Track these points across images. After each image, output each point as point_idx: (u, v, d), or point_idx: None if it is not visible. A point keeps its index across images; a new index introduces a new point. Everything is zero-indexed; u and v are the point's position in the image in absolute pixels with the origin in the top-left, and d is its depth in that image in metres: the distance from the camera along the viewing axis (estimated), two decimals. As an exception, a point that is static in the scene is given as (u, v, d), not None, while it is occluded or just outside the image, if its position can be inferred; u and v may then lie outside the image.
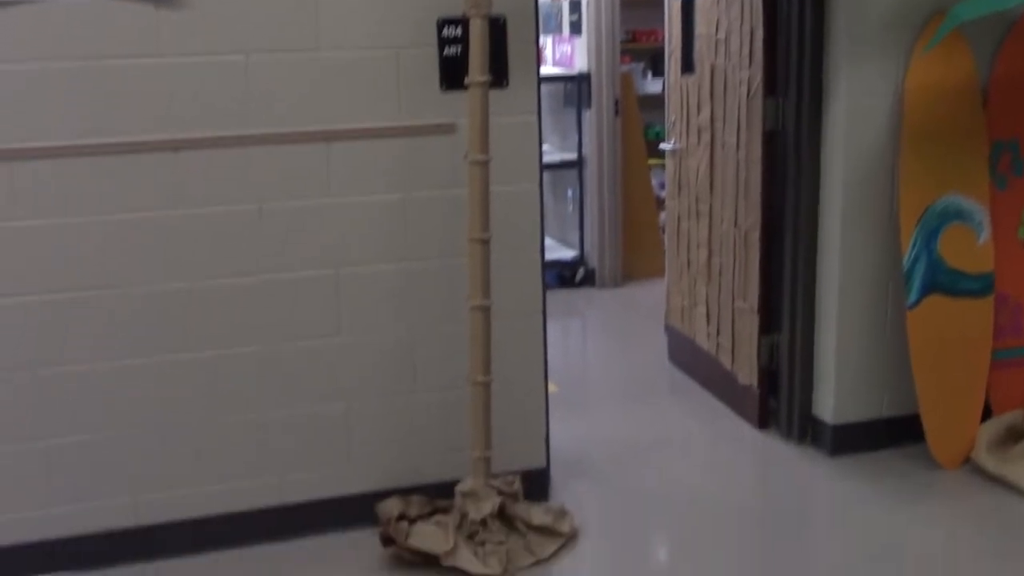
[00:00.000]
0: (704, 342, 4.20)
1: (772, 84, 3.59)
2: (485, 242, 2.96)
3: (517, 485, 3.08)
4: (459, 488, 3.02)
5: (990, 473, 3.36)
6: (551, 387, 3.40)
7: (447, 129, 3.05)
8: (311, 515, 3.14)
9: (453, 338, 3.14)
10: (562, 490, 3.39)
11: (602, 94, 5.67)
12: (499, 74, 3.05)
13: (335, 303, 3.06)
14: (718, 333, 4.07)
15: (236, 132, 2.89)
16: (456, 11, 2.98)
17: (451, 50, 3.02)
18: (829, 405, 3.57)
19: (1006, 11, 3.32)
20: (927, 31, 3.32)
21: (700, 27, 4.08)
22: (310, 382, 3.09)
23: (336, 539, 3.13)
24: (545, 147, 6.17)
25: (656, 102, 5.74)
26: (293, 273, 3.02)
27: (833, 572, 2.95)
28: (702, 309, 4.19)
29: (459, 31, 3.01)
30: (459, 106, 3.00)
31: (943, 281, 3.39)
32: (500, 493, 3.01)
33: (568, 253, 5.95)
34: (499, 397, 3.12)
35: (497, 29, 3.04)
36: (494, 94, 3.00)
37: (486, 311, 2.99)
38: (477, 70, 2.90)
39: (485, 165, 2.94)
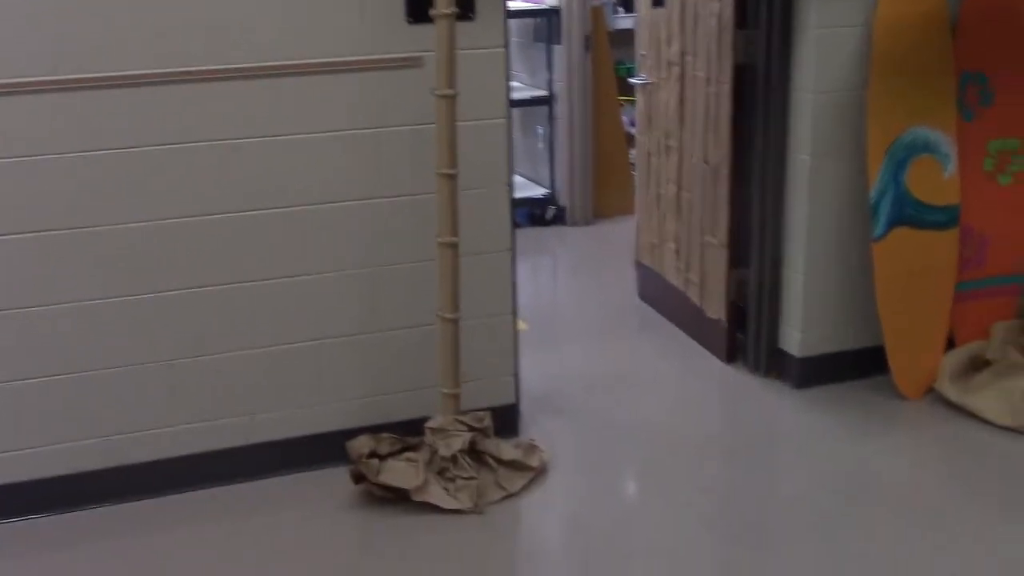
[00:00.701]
0: (673, 278, 4.21)
1: (743, 16, 3.55)
2: (452, 177, 2.94)
3: (487, 421, 3.09)
4: (429, 425, 3.03)
5: (953, 402, 3.41)
6: (521, 324, 3.41)
7: (414, 62, 3.01)
8: (282, 454, 3.15)
9: (422, 275, 3.13)
10: (532, 425, 3.41)
11: (572, 29, 5.60)
12: (466, 6, 2.99)
13: (302, 241, 3.04)
14: (687, 269, 4.08)
15: (198, 67, 2.84)
16: (421, -59, 2.91)
17: (414, -19, 2.96)
18: (795, 338, 3.60)
19: (976, -60, 3.29)
20: (897, -39, 3.29)
21: (670, -41, 4.03)
22: (279, 320, 3.07)
23: (307, 477, 3.14)
24: (515, 83, 6.15)
25: (627, 38, 5.67)
26: (259, 210, 2.98)
27: (799, 501, 3.00)
28: (671, 245, 4.19)
29: (423, -38, 2.94)
30: (426, 39, 2.95)
31: (910, 214, 3.40)
32: (470, 429, 3.03)
33: (539, 191, 5.93)
34: (468, 334, 3.12)
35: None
36: (461, 27, 2.95)
37: (454, 248, 2.97)
38: (443, 1, 2.85)
39: (452, 99, 2.90)
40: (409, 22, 2.97)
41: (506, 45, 3.11)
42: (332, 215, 3.05)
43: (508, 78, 3.15)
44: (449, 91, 2.89)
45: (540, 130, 5.95)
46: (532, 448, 3.15)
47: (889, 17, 3.30)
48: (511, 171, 3.23)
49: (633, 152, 4.99)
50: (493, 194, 3.19)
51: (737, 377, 3.78)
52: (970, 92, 3.44)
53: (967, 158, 3.46)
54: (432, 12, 2.86)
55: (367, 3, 2.93)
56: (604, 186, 5.91)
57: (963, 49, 3.40)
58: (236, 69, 2.87)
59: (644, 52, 4.36)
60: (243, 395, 3.09)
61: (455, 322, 3.02)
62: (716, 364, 3.88)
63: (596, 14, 5.82)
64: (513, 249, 3.27)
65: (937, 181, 3.41)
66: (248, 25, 2.86)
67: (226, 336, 3.04)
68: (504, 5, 3.10)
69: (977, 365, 3.49)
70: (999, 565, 2.66)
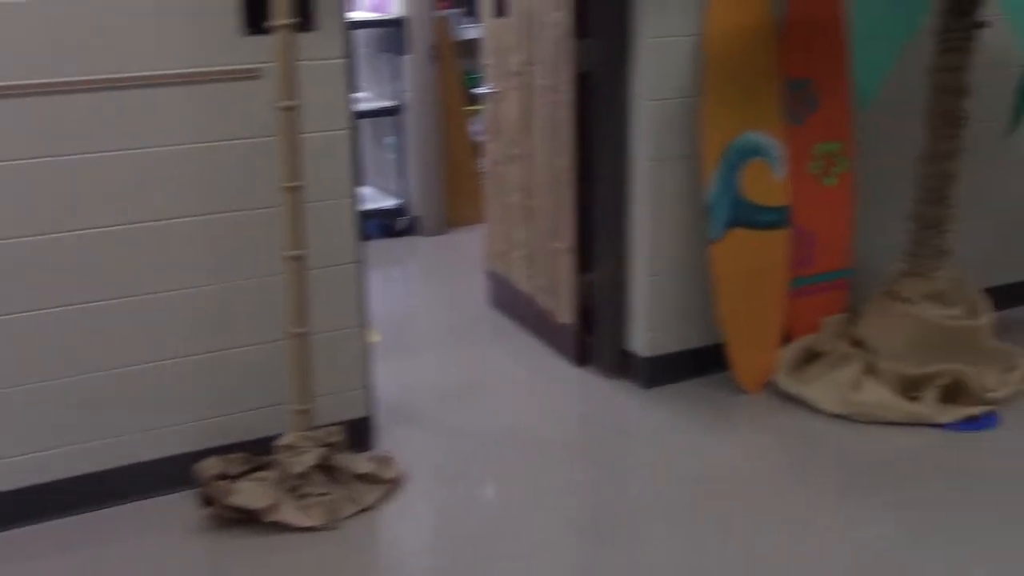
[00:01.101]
0: (523, 284, 4.26)
1: (582, 26, 3.63)
2: (296, 190, 2.89)
3: (339, 436, 3.06)
4: (279, 442, 2.98)
5: (789, 394, 3.57)
6: (374, 336, 3.39)
7: (252, 74, 2.95)
8: (127, 480, 3.03)
9: (269, 290, 3.07)
10: (387, 437, 3.39)
11: (419, 40, 5.61)
12: (305, 17, 2.96)
13: (143, 259, 2.94)
14: (536, 275, 4.13)
15: (23, 81, 2.71)
16: (255, -49, 2.87)
17: (253, -8, 2.92)
18: (642, 339, 3.70)
19: (796, -46, 3.46)
20: (724, -27, 3.43)
21: (510, -30, 4.08)
22: (120, 342, 2.96)
23: (155, 504, 3.03)
24: (363, 94, 6.12)
25: (475, 47, 5.73)
26: (96, 229, 2.87)
27: (653, 496, 3.09)
28: (521, 252, 4.25)
29: (261, -29, 2.90)
30: (265, 51, 2.91)
31: (744, 215, 3.55)
32: (321, 445, 2.99)
33: (390, 202, 5.90)
34: (318, 348, 3.08)
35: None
36: (301, 38, 2.91)
37: (300, 261, 2.93)
38: (281, 12, 2.81)
39: (293, 111, 2.86)
40: (246, 33, 2.92)
41: (348, 56, 3.09)
42: (173, 232, 2.96)
43: (351, 89, 3.13)
44: (290, 103, 2.85)
45: (390, 141, 5.93)
46: (386, 460, 3.14)
47: (718, 27, 3.43)
48: (356, 182, 3.20)
49: (483, 161, 5.02)
50: (339, 206, 3.16)
51: (587, 379, 3.85)
52: (796, 98, 3.61)
53: (795, 161, 3.63)
54: (270, 23, 2.82)
55: (201, 14, 2.86)
56: (455, 195, 5.93)
57: (788, 57, 3.56)
58: (64, 83, 2.75)
59: (489, 62, 4.41)
60: (83, 421, 2.96)
61: (303, 336, 2.97)
62: (567, 368, 3.95)
63: (441, 24, 5.85)
64: (361, 260, 3.25)
65: (769, 183, 3.57)
66: (78, 38, 2.75)
67: (63, 360, 2.91)
68: (345, 16, 3.08)
69: (811, 358, 3.67)
70: (846, 547, 2.80)
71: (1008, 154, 4.20)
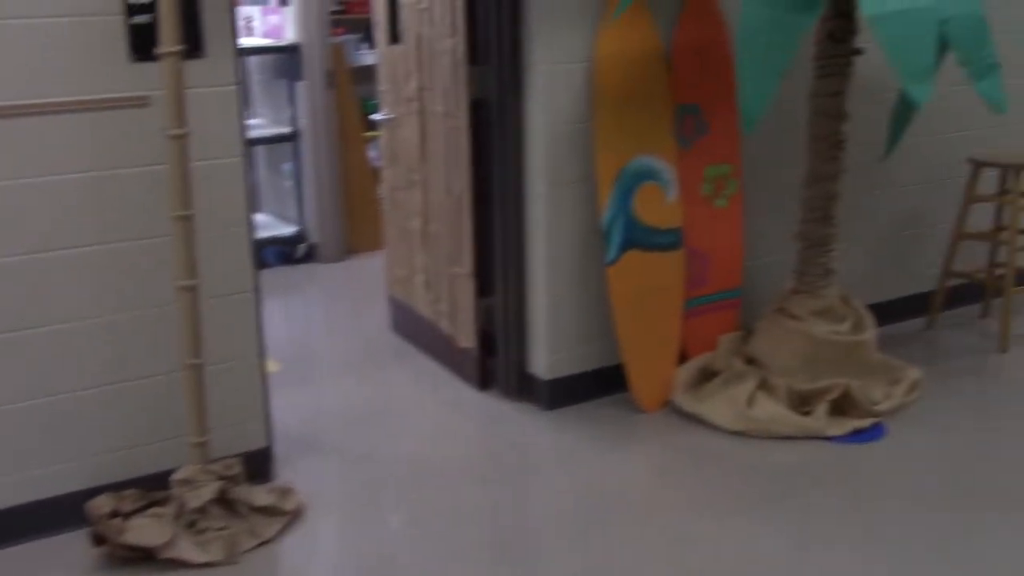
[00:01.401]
0: (425, 310, 4.27)
1: (475, 52, 3.67)
2: (188, 219, 2.85)
3: (237, 468, 3.01)
4: (175, 476, 2.91)
5: (687, 412, 3.65)
6: (273, 365, 3.35)
7: (140, 102, 2.90)
8: (16, 521, 2.92)
9: (163, 321, 3.01)
10: (288, 468, 3.35)
11: (314, 66, 5.58)
12: (194, 43, 2.93)
13: (31, 291, 2.85)
14: (437, 300, 4.14)
15: None
16: (142, -23, 2.83)
17: (140, 18, 2.87)
18: (543, 362, 3.74)
19: (682, -17, 3.57)
20: (613, 0, 3.50)
21: (404, -3, 4.10)
22: (9, 377, 2.86)
23: (45, 545, 2.93)
24: (258, 121, 6.06)
25: (373, 74, 5.73)
26: (-27, 262, 2.78)
27: (553, 518, 3.11)
28: (421, 277, 4.25)
29: (147, -1, 2.87)
30: (153, 78, 2.86)
31: (639, 237, 3.62)
32: (219, 478, 2.93)
33: (288, 229, 5.85)
34: (215, 379, 3.03)
35: (187, -4, 2.92)
36: (190, 65, 2.88)
37: (193, 291, 2.88)
38: (169, 39, 2.77)
39: (183, 139, 2.82)
40: (134, 60, 2.87)
41: (240, 83, 3.07)
42: (62, 262, 2.88)
43: (243, 116, 3.11)
44: (179, 131, 2.81)
45: (286, 167, 5.88)
46: (287, 491, 3.09)
47: (609, 54, 3.51)
48: (250, 210, 3.17)
49: (382, 187, 5.01)
50: (233, 234, 3.12)
51: (490, 403, 3.87)
52: (686, 123, 3.71)
53: (687, 184, 3.73)
54: (158, 50, 2.78)
55: (89, 42, 2.80)
56: (355, 221, 5.91)
57: (678, 83, 3.66)
58: (-61, 111, 2.67)
59: (385, 88, 4.41)
60: (-36, 462, 2.85)
61: (198, 368, 2.92)
62: (470, 392, 3.96)
63: (337, 50, 5.84)
64: (257, 289, 3.21)
65: (661, 206, 3.65)
66: (-49, 64, 2.67)
67: (-59, 399, 2.80)
68: (235, 43, 3.05)
69: (707, 376, 3.76)
70: (743, 558, 2.86)
71: (887, 176, 4.38)
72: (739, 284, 3.93)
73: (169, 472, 2.95)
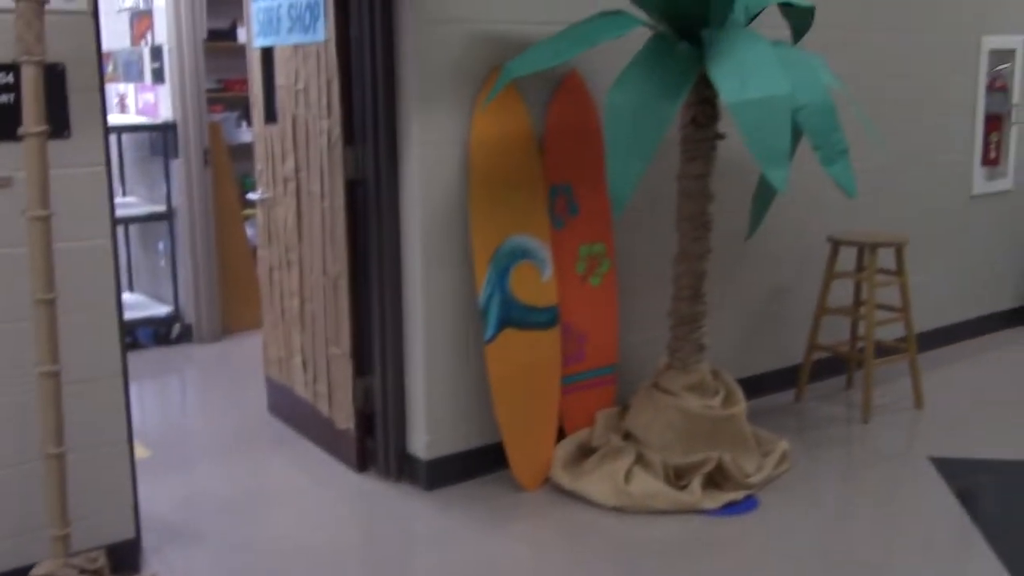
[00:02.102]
0: (302, 391, 4.21)
1: (350, 133, 3.71)
2: (50, 303, 2.77)
3: (102, 561, 2.89)
4: (35, 572, 2.78)
5: (566, 489, 3.68)
6: (142, 452, 3.25)
7: (3, 183, 2.83)
8: None
9: (24, 408, 2.90)
10: (157, 559, 3.23)
11: (191, 144, 5.54)
12: (59, 124, 2.89)
13: None
14: (315, 381, 4.10)
15: None
16: (7, 56, 2.78)
17: (2, 98, 2.82)
18: (422, 442, 3.73)
19: (553, 68, 3.69)
20: (487, 85, 3.60)
21: (280, 78, 4.13)
22: None
23: None
24: (132, 199, 5.95)
25: (252, 151, 5.71)
26: None
27: (430, 602, 3.07)
28: (298, 358, 4.21)
29: (11, 78, 2.82)
30: (16, 158, 2.80)
31: (515, 315, 3.67)
32: (82, 572, 2.81)
33: (162, 309, 5.72)
34: (79, 467, 2.93)
35: (55, 76, 2.89)
36: (56, 145, 2.84)
37: (55, 377, 2.79)
38: (31, 120, 2.72)
39: (46, 220, 2.76)
40: (-4, 140, 2.81)
41: (108, 163, 3.02)
42: (-91, 349, 2.76)
43: (112, 196, 3.06)
44: (42, 212, 2.74)
45: (161, 246, 5.78)
46: (154, 583, 2.99)
47: (483, 135, 3.60)
48: (119, 292, 3.10)
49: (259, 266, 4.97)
50: (100, 317, 3.04)
51: (369, 485, 3.83)
52: (559, 202, 3.81)
53: (561, 262, 3.81)
54: (20, 131, 2.73)
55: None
56: (232, 301, 5.83)
57: (550, 164, 3.77)
58: None
59: (261, 167, 4.41)
60: None
61: (60, 457, 2.81)
62: (349, 474, 3.91)
63: (215, 128, 5.81)
64: (125, 372, 3.13)
65: (537, 284, 3.72)
66: None
67: None
68: (104, 122, 3.02)
69: (585, 452, 3.80)
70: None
71: (754, 254, 4.57)
72: (615, 360, 4.01)
73: (28, 568, 2.81)
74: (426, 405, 3.69)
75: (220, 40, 7.69)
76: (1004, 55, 5.54)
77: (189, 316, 5.67)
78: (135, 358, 4.97)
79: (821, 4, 4.22)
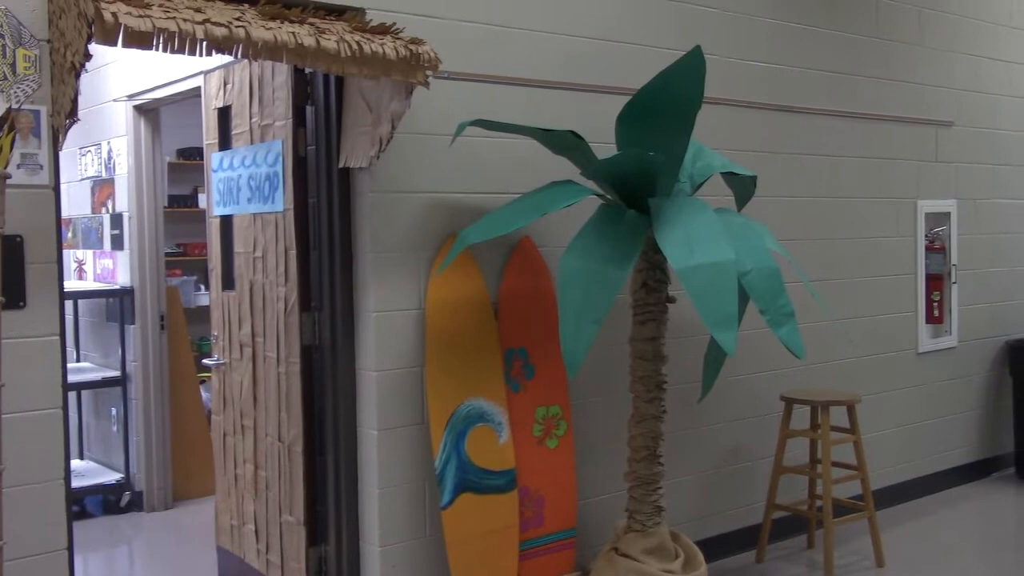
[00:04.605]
0: (254, 560, 4.10)
1: (307, 300, 3.75)
2: (-5, 476, 2.71)
3: None
4: None
5: (525, 661, 3.57)
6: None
7: (-47, 353, 2.82)
8: None
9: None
10: None
11: (147, 309, 5.54)
12: (15, 294, 2.90)
13: None
14: (267, 550, 3.99)
15: None
16: (-37, 230, 2.81)
17: (-41, 269, 2.83)
18: (377, 613, 3.62)
19: (507, 235, 3.78)
20: (442, 251, 3.68)
21: (239, 245, 4.19)
22: None
23: None
24: (85, 364, 5.89)
25: (209, 315, 5.73)
26: None
27: None
28: (251, 526, 4.11)
29: (-32, 249, 2.84)
30: (-33, 329, 2.80)
31: (472, 480, 3.64)
32: None
33: (112, 476, 5.58)
34: (14, 649, 2.80)
35: (13, 248, 2.91)
36: (10, 315, 2.84)
37: (-4, 553, 2.71)
38: (-15, 291, 2.73)
39: (-4, 391, 2.73)
40: (-51, 311, 2.81)
41: (62, 332, 3.02)
42: None
43: (65, 365, 3.04)
44: (-7, 383, 2.72)
45: (114, 411, 5.70)
46: None
47: (439, 300, 3.65)
48: (67, 461, 3.05)
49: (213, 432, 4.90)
50: (46, 488, 2.97)
51: (321, 660, 3.68)
52: (515, 366, 3.84)
53: (518, 425, 3.81)
54: (-25, 302, 2.73)
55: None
56: (185, 468, 5.72)
57: (506, 328, 3.82)
58: None
59: (217, 333, 4.41)
60: None
61: (-4, 638, 2.70)
62: (300, 649, 3.77)
63: (172, 293, 5.83)
64: (71, 546, 3.03)
65: (494, 448, 3.71)
66: None
67: None
68: (60, 292, 3.03)
69: (545, 620, 3.71)
70: None
71: (709, 413, 4.60)
72: (574, 524, 3.96)
73: None
74: (382, 573, 3.60)
75: (181, 206, 7.83)
76: (940, 218, 5.78)
77: (140, 483, 5.54)
78: (82, 528, 4.82)
79: (763, 172, 4.41)
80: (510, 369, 3.82)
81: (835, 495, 4.53)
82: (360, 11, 3.46)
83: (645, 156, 3.36)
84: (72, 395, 5.74)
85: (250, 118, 4.00)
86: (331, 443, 3.69)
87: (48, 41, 2.96)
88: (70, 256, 6.13)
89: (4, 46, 2.89)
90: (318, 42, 2.95)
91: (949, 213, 5.80)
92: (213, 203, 4.37)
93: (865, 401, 5.08)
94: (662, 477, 3.80)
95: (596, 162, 3.55)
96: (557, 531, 3.90)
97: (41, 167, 3.00)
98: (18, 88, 2.92)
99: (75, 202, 6.01)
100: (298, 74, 3.69)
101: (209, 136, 4.37)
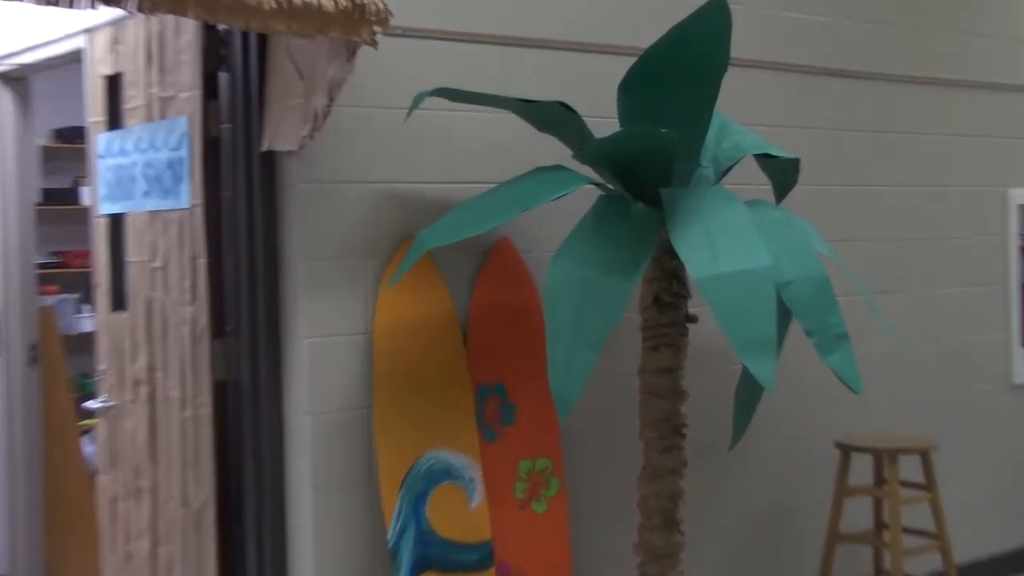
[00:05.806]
0: (153, 663, 4.09)
1: (221, 324, 3.75)
2: None
3: None
4: None
5: None
6: None
7: None
8: None
9: None
10: None
11: (14, 337, 5.53)
12: None
13: None
14: (170, 649, 3.99)
15: None
16: None
17: None
18: None
19: (479, 237, 3.79)
20: (395, 259, 3.69)
21: (132, 253, 4.19)
22: None
23: None
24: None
25: (94, 343, 5.72)
26: None
27: None
28: (148, 618, 4.11)
29: None
30: None
31: (435, 556, 3.65)
32: None
33: (-32, 555, 5.56)
34: None
35: None
36: None
37: None
38: None
39: None
40: None
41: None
42: None
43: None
44: None
45: (-30, 471, 5.68)
46: None
47: (390, 322, 3.66)
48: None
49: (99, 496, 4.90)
50: None
51: None
52: (490, 406, 3.85)
53: (495, 484, 3.82)
54: None
55: None
56: (62, 543, 5.69)
57: (478, 357, 3.83)
58: None
59: (105, 367, 4.40)
60: None
61: None
62: None
63: (47, 316, 5.82)
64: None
65: (463, 513, 3.72)
66: None
67: None
68: None
69: None
70: None
71: (743, 466, 4.61)
72: (568, 610, 3.97)
73: None
74: None
75: (58, 203, 7.80)
76: (1037, 211, 5.83)
77: (2, 565, 5.52)
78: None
79: (808, 154, 4.43)
80: (483, 411, 3.83)
81: (907, 570, 4.54)
82: (287, -51, 3.48)
83: (656, 134, 3.38)
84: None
85: (147, 88, 4.02)
86: (252, 509, 3.70)
87: None
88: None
89: None
90: (232, -11, 2.97)
91: (1049, 205, 5.86)
92: (99, 198, 4.38)
93: (944, 448, 5.10)
94: (682, 549, 3.81)
95: (593, 142, 3.57)
96: (547, 619, 3.92)
97: None
98: None
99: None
100: (209, 32, 3.71)
101: (94, 112, 4.38)
